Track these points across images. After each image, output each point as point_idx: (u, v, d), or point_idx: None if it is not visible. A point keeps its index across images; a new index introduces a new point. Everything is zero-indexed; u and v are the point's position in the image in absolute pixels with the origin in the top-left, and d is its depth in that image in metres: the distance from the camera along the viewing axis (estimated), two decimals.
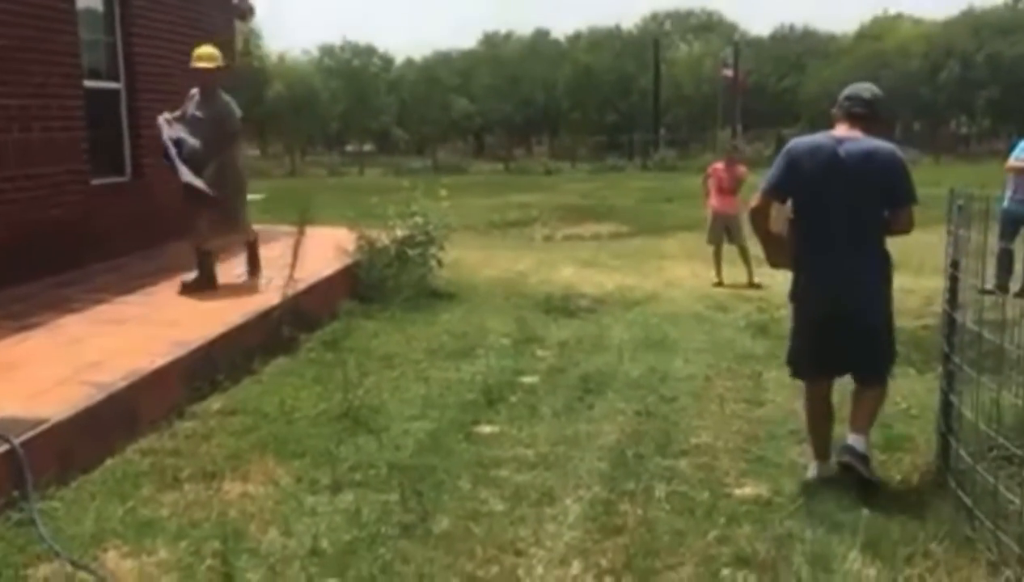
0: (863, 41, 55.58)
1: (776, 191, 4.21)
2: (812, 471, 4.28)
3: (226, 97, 7.29)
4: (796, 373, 4.44)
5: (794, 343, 4.38)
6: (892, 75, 48.71)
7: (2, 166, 7.30)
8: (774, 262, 4.48)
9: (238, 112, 7.33)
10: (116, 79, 9.27)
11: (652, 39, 52.89)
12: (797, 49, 58.75)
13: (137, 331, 6.07)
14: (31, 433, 4.09)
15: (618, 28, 63.28)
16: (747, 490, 4.20)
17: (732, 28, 62.56)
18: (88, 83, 8.52)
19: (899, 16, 59.95)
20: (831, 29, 61.16)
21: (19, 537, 3.62)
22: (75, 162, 8.01)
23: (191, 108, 7.23)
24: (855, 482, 4.08)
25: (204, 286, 7.11)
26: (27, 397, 4.59)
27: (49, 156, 7.76)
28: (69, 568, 3.41)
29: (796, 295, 4.34)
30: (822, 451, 4.30)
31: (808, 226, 4.17)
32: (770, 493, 4.14)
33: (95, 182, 8.61)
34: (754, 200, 4.30)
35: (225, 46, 11.81)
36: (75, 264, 7.54)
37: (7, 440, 3.96)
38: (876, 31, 57.09)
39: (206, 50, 7.27)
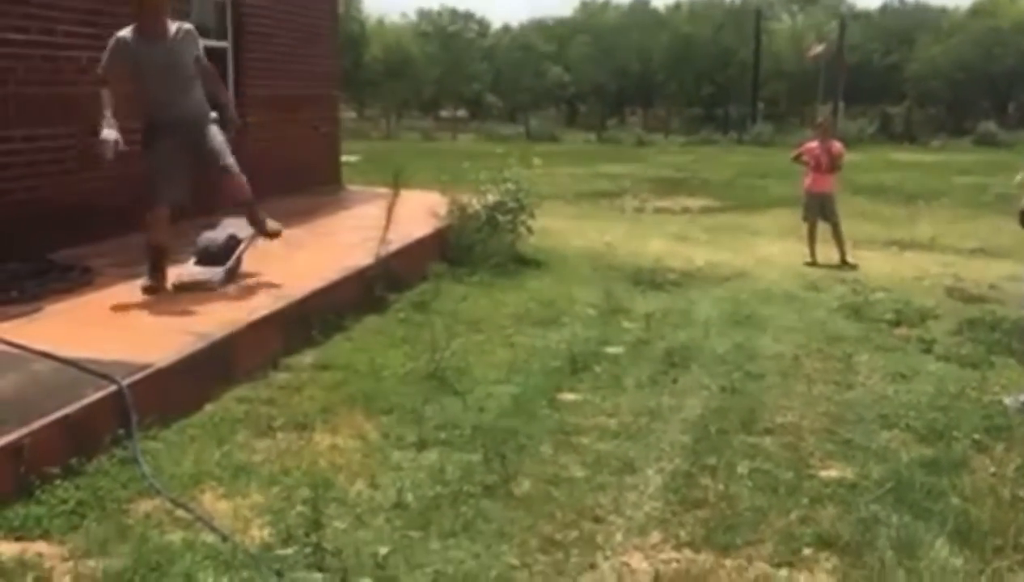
0: (977, 17, 53.11)
1: None
2: None
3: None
4: None
5: None
6: (1006, 54, 46.53)
7: (120, 118, 7.57)
8: None
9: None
10: (224, 38, 9.52)
11: (754, 10, 51.53)
12: (906, 24, 56.48)
13: (237, 282, 6.28)
14: (137, 376, 4.29)
15: None
16: (832, 472, 4.15)
17: (839, 0, 60.47)
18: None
19: None
20: (944, 3, 58.37)
21: (123, 474, 3.81)
22: None
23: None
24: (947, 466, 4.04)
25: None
26: (133, 343, 4.82)
27: None
28: (168, 506, 3.59)
29: None
30: None
31: None
32: (856, 476, 4.09)
33: None
34: None
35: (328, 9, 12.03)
36: (180, 216, 7.78)
37: (115, 381, 4.17)
38: (991, 7, 54.49)
39: None
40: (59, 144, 7.00)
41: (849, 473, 4.14)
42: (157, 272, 6.03)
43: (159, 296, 5.90)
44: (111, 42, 5.90)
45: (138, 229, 6.18)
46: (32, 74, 6.73)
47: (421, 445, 4.27)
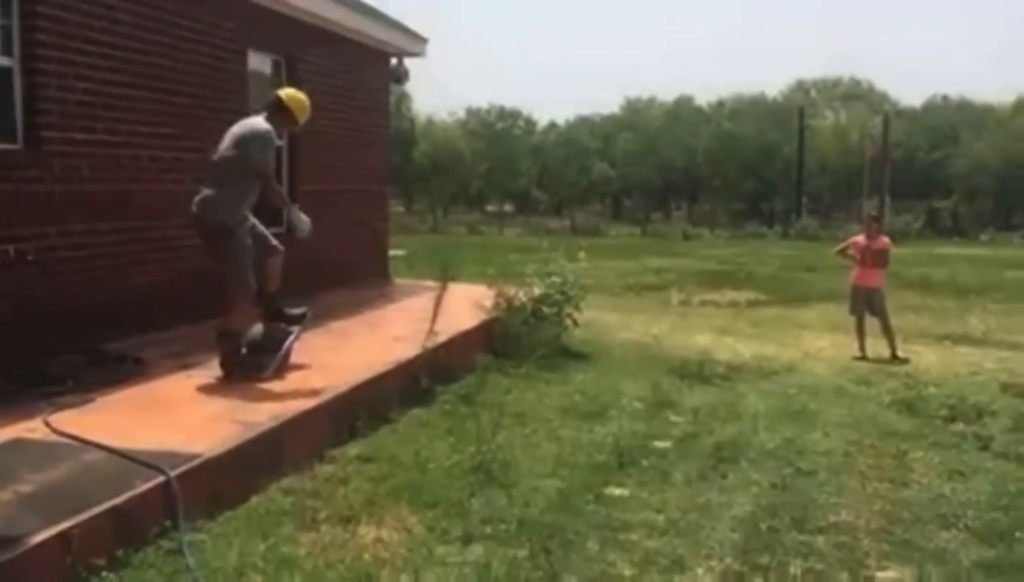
0: (1022, 113, 53.02)
1: None
2: None
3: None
4: None
5: None
6: None
7: (176, 214, 7.81)
8: None
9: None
10: (280, 137, 9.82)
11: (797, 107, 52.09)
12: (951, 120, 56.60)
13: (285, 374, 6.35)
14: (185, 467, 4.31)
15: (763, 95, 62.65)
16: (890, 573, 4.03)
17: (882, 97, 60.87)
18: None
19: None
20: (988, 100, 58.23)
21: (167, 566, 3.81)
22: None
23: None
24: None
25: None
26: (183, 433, 4.86)
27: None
28: None
29: None
30: None
31: None
32: (914, 578, 3.96)
33: None
34: None
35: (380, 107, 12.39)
36: None
37: (163, 472, 4.20)
38: None
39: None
40: (118, 238, 7.21)
41: (907, 575, 4.01)
42: None
43: (215, 386, 5.99)
44: (267, 136, 6.22)
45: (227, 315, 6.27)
46: (96, 172, 6.99)
47: (466, 539, 4.23)
